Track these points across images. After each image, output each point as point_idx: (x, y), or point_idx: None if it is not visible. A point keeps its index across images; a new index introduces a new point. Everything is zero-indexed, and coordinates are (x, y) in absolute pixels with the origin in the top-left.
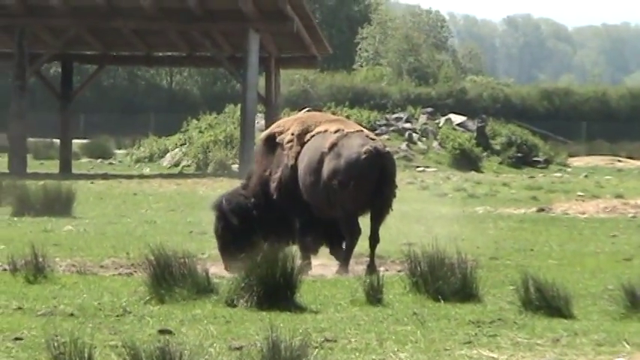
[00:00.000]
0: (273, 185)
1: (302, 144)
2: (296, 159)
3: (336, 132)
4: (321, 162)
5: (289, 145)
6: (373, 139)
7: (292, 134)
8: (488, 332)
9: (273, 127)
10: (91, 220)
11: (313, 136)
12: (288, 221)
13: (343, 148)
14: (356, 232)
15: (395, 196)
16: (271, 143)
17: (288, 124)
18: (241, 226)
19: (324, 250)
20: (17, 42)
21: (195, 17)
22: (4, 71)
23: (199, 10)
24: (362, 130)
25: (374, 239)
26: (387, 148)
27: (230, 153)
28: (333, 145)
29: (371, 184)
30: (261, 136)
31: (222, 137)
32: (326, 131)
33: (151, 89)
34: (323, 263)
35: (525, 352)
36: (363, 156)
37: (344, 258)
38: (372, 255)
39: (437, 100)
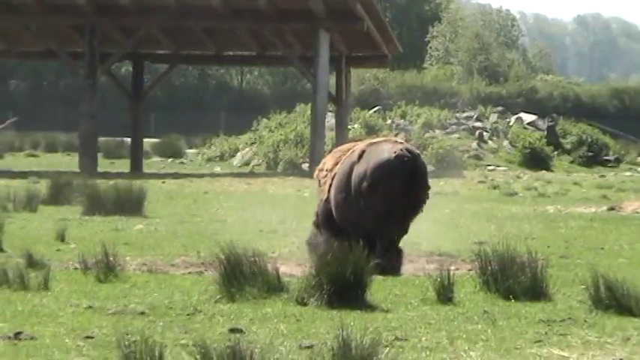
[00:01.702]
0: (314, 220)
1: (333, 176)
2: (328, 191)
3: (364, 144)
4: (350, 174)
5: (323, 180)
6: (402, 143)
7: (326, 170)
8: (559, 331)
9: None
10: (162, 219)
11: (342, 162)
12: None
13: (373, 153)
14: (390, 231)
15: (427, 197)
16: (318, 184)
17: (325, 160)
18: None
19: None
20: (88, 41)
21: (265, 16)
22: (75, 70)
23: (270, 10)
24: (390, 139)
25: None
26: (418, 151)
27: (300, 152)
28: (362, 153)
29: (401, 184)
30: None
31: (293, 136)
32: (354, 150)
33: (222, 88)
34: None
35: (596, 351)
36: (394, 155)
37: (379, 255)
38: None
39: (507, 99)
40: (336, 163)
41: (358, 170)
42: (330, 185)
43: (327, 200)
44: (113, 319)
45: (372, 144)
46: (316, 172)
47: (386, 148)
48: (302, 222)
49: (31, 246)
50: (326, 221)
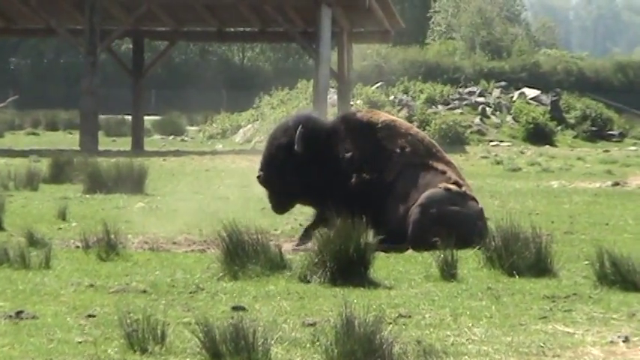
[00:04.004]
0: (354, 176)
1: (406, 164)
2: (396, 177)
3: (454, 183)
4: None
5: (395, 157)
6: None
7: (403, 148)
8: (564, 307)
9: (387, 119)
10: (163, 196)
11: (425, 165)
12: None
13: (467, 202)
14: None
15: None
16: (373, 130)
17: (403, 133)
18: (300, 160)
19: None
20: (88, 18)
21: None
22: (75, 48)
23: None
24: (477, 200)
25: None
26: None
27: None
28: (460, 190)
29: (467, 236)
30: (373, 115)
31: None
32: (445, 173)
33: (223, 65)
34: None
35: (601, 327)
36: (483, 218)
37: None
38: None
39: (510, 73)
40: (414, 154)
41: (448, 199)
42: (400, 173)
43: (391, 184)
44: (115, 298)
45: (465, 194)
46: (387, 122)
47: (476, 208)
48: None
49: (32, 225)
50: (363, 200)
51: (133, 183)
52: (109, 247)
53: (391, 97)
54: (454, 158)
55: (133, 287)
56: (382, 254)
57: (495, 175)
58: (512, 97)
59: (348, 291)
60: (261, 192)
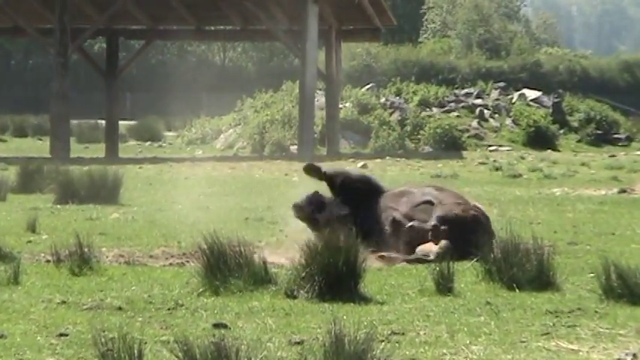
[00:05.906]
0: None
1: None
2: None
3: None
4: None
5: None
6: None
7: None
8: (567, 322)
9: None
10: (140, 207)
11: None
12: None
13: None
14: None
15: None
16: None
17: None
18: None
19: None
20: (58, 16)
21: None
22: (45, 48)
23: None
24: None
25: None
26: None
27: (288, 133)
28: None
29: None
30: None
31: (280, 116)
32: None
33: (203, 66)
34: None
35: (607, 343)
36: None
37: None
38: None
39: (509, 74)
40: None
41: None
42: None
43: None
44: (88, 315)
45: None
46: None
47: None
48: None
49: (0, 237)
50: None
51: (107, 192)
52: (81, 261)
53: (382, 100)
54: (450, 164)
55: (107, 304)
56: (373, 267)
57: (494, 181)
58: (511, 98)
59: (338, 307)
60: (244, 200)
